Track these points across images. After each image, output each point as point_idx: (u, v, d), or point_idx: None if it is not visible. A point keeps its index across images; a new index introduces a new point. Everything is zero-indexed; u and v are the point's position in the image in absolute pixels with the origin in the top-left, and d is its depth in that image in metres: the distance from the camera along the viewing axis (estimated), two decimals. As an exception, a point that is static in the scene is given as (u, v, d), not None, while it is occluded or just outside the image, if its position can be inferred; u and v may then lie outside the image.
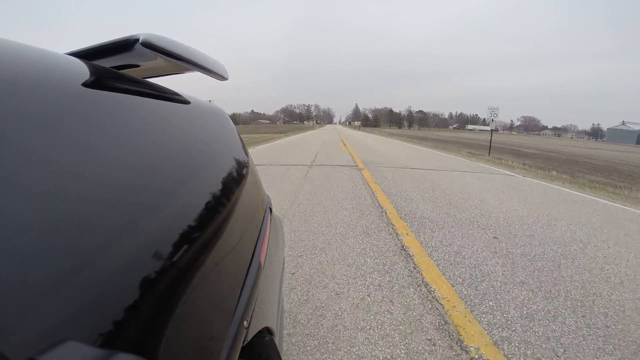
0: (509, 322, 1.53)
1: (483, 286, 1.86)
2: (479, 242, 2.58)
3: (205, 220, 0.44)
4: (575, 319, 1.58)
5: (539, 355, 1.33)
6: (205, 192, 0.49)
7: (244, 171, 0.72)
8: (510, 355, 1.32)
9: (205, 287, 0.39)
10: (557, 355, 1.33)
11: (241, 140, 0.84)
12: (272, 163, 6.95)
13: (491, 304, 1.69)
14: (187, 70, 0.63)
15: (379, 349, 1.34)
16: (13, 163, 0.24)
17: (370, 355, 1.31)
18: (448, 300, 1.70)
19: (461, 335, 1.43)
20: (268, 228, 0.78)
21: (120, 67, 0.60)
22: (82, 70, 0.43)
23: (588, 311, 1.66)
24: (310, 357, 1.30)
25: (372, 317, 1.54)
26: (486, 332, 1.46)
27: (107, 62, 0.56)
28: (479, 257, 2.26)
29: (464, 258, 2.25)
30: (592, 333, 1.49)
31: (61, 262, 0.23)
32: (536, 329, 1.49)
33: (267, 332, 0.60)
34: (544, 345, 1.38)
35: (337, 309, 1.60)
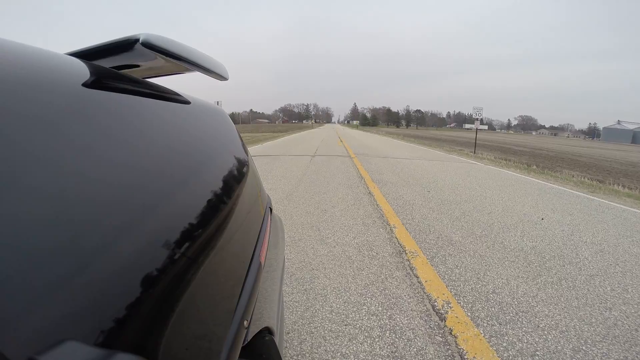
0: (413, 219, 3.16)
1: (407, 207, 3.61)
2: (416, 193, 4.35)
3: (205, 220, 0.44)
4: (449, 221, 3.15)
5: (426, 225, 2.98)
6: (205, 192, 0.49)
7: (244, 171, 0.71)
8: (410, 230, 2.81)
9: (205, 287, 0.39)
10: (431, 229, 2.90)
11: (241, 140, 0.84)
12: (283, 154, 8.95)
13: (407, 213, 3.35)
14: (187, 70, 0.63)
15: (351, 209, 3.45)
16: (14, 163, 0.24)
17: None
18: (386, 210, 3.43)
19: (389, 219, 3.11)
20: (268, 228, 0.78)
21: (120, 67, 0.60)
22: (82, 70, 0.42)
23: (464, 221, 3.17)
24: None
25: (349, 212, 3.34)
26: (400, 220, 3.10)
27: (107, 62, 0.55)
28: (411, 198, 4.06)
29: (403, 197, 4.06)
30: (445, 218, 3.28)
31: (61, 262, 0.23)
32: (427, 222, 3.08)
33: (267, 332, 0.60)
34: (426, 222, 3.07)
35: (333, 210, 3.40)
